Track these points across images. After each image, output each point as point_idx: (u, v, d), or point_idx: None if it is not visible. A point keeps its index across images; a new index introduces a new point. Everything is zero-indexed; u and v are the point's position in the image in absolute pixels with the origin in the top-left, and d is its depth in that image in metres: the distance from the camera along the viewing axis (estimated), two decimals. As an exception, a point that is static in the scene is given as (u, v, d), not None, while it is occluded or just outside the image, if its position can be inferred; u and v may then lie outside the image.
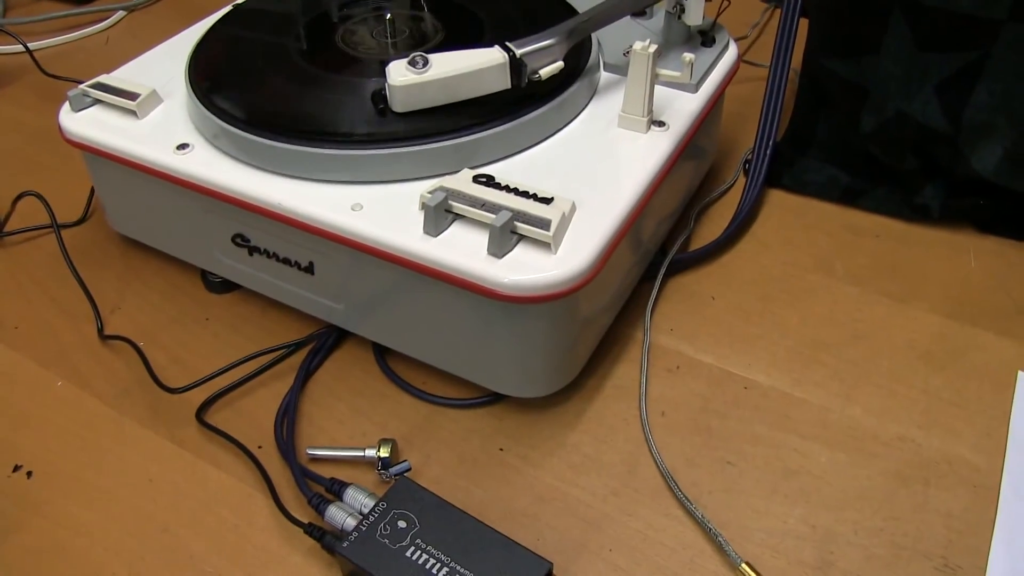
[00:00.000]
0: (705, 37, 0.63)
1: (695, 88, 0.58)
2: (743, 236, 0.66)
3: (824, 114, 0.69)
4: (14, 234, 0.69)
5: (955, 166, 0.64)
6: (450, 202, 0.48)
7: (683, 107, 0.57)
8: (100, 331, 0.60)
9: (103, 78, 0.60)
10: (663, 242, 0.63)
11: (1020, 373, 0.56)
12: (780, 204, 0.69)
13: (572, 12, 0.60)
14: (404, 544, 0.44)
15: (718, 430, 0.53)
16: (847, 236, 0.66)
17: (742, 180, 0.71)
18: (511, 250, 0.47)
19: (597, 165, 0.52)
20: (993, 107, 0.61)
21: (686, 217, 0.67)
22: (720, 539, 0.47)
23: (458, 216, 0.48)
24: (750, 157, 0.69)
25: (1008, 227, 0.65)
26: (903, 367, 0.57)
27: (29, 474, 0.52)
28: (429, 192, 0.48)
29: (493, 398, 0.55)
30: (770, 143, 0.68)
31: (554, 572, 0.46)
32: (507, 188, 0.48)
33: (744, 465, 0.51)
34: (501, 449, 0.52)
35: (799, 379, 0.56)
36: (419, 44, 0.59)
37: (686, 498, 0.49)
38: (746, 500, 0.50)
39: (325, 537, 0.46)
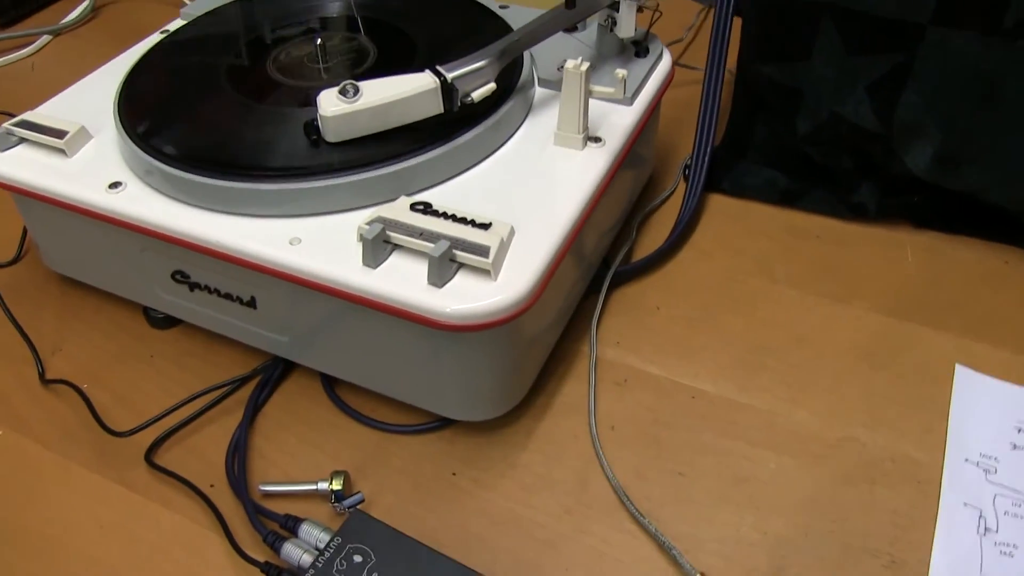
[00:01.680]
0: (639, 47, 0.63)
1: (630, 101, 0.59)
2: (685, 244, 0.67)
3: (760, 117, 0.70)
4: (-56, 276, 0.67)
5: (889, 165, 0.65)
6: (388, 233, 0.47)
7: (619, 121, 0.57)
8: (41, 375, 0.59)
9: (28, 115, 0.58)
10: (606, 254, 0.64)
11: (957, 366, 0.57)
12: (720, 209, 0.70)
13: (506, 29, 0.60)
14: (360, 579, 0.45)
15: (667, 441, 0.54)
16: (787, 238, 0.67)
17: (682, 186, 0.72)
18: (451, 279, 0.47)
19: (534, 185, 0.53)
20: (922, 108, 0.62)
21: (628, 227, 0.67)
22: (674, 552, 0.48)
23: (397, 246, 0.48)
24: (689, 163, 0.70)
25: (942, 222, 0.67)
26: (846, 368, 0.58)
27: (-27, 527, 0.51)
28: (367, 223, 0.48)
29: (443, 423, 0.55)
30: (708, 148, 0.68)
31: (511, 596, 0.46)
32: (445, 215, 0.48)
33: (694, 475, 0.52)
34: (453, 473, 0.52)
35: (745, 385, 0.57)
36: (352, 68, 0.59)
37: (638, 512, 0.49)
38: (698, 510, 0.50)
39: (282, 575, 0.46)
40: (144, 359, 0.60)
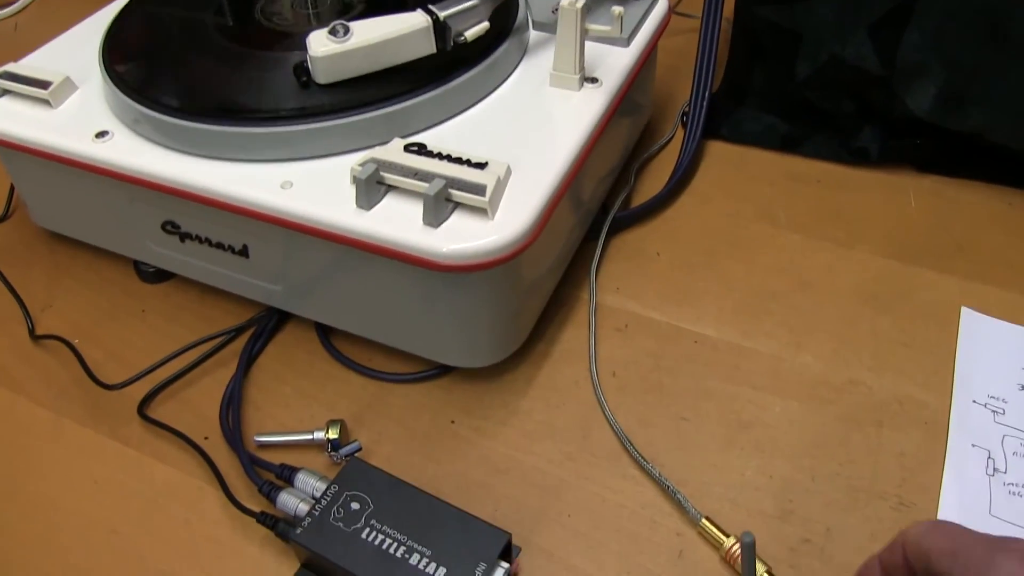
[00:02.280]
0: (634, -10, 0.61)
1: (627, 42, 0.57)
2: (684, 190, 0.66)
3: (759, 62, 0.69)
4: (-70, 236, 0.66)
5: (891, 108, 0.64)
6: (381, 173, 0.46)
7: (616, 62, 0.56)
8: (31, 331, 0.58)
9: (10, 66, 0.57)
10: (604, 200, 0.63)
11: (963, 308, 0.56)
12: (720, 155, 0.69)
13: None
14: (359, 526, 0.43)
15: (670, 387, 0.53)
16: (788, 184, 0.66)
17: (680, 133, 0.70)
18: (447, 218, 0.45)
19: (531, 126, 0.51)
20: (925, 47, 0.61)
21: (626, 174, 0.66)
22: (679, 496, 0.47)
23: (391, 187, 0.47)
24: (687, 110, 0.68)
25: (945, 165, 0.66)
26: (850, 311, 0.57)
27: (-37, 485, 0.50)
28: (360, 164, 0.46)
29: (441, 370, 0.54)
30: (706, 94, 0.67)
31: (514, 541, 0.45)
32: (440, 155, 0.47)
33: (698, 420, 0.51)
34: (452, 422, 0.51)
35: (748, 330, 0.56)
36: (342, 13, 0.57)
37: (642, 458, 0.48)
38: (703, 455, 0.49)
39: (278, 525, 0.45)
40: (135, 314, 0.59)
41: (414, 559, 0.42)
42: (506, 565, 0.43)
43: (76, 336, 0.57)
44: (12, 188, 0.67)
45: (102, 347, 0.57)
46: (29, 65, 0.58)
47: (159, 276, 0.60)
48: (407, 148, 0.48)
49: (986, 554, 0.32)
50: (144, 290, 0.60)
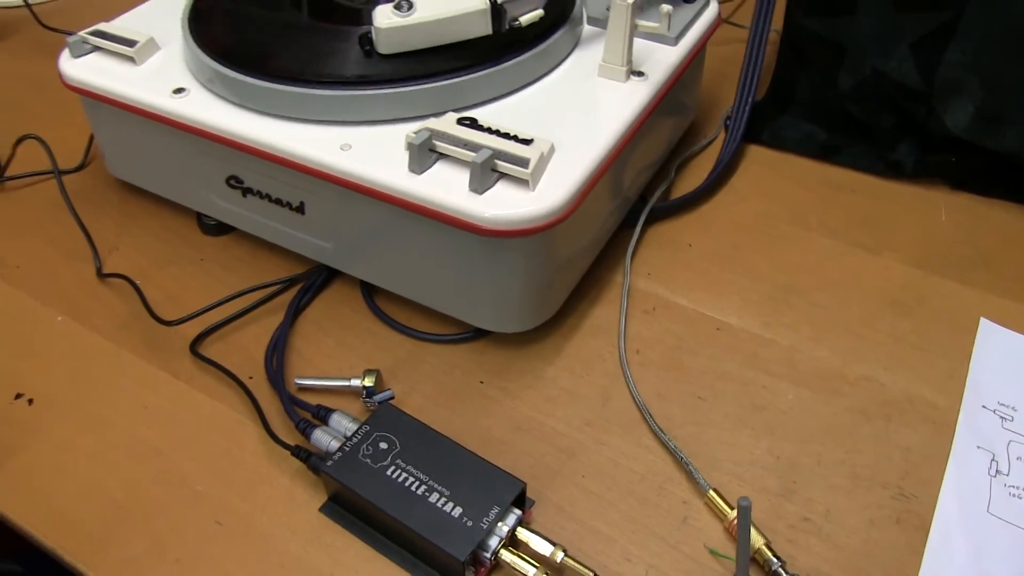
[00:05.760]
0: (687, -6, 0.64)
1: (675, 41, 0.60)
2: (722, 188, 0.68)
3: (803, 73, 0.71)
4: (15, 179, 0.71)
5: (929, 123, 0.66)
6: (434, 141, 0.50)
7: (662, 59, 0.59)
8: (99, 270, 0.62)
9: (102, 26, 0.62)
10: (643, 191, 0.65)
11: (982, 319, 0.58)
12: (759, 159, 0.71)
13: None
14: (385, 464, 0.47)
15: (690, 367, 0.55)
16: (823, 190, 0.68)
17: (723, 136, 0.73)
18: (491, 187, 0.49)
19: (577, 111, 0.54)
20: (965, 66, 0.63)
21: (667, 169, 0.69)
22: (690, 467, 0.49)
23: (442, 155, 0.50)
24: (731, 114, 0.71)
25: (978, 183, 0.67)
26: (871, 312, 0.59)
27: (30, 401, 0.54)
28: (414, 132, 0.50)
29: (475, 334, 0.57)
30: (750, 99, 0.69)
31: (529, 494, 0.48)
32: (489, 129, 0.50)
33: (714, 400, 0.53)
34: (481, 382, 0.55)
35: (769, 321, 0.58)
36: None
37: (659, 428, 0.51)
38: (715, 433, 0.52)
39: (311, 458, 0.49)
40: (195, 262, 0.63)
41: (433, 497, 0.45)
42: (519, 512, 0.45)
43: (139, 277, 0.61)
44: (91, 139, 0.72)
45: (161, 289, 0.61)
46: (118, 25, 0.62)
47: (219, 229, 0.64)
48: (460, 121, 0.51)
49: None
50: (204, 241, 0.64)
